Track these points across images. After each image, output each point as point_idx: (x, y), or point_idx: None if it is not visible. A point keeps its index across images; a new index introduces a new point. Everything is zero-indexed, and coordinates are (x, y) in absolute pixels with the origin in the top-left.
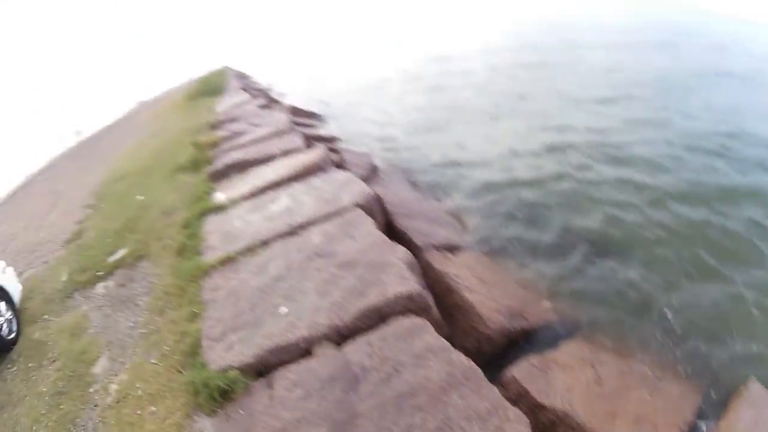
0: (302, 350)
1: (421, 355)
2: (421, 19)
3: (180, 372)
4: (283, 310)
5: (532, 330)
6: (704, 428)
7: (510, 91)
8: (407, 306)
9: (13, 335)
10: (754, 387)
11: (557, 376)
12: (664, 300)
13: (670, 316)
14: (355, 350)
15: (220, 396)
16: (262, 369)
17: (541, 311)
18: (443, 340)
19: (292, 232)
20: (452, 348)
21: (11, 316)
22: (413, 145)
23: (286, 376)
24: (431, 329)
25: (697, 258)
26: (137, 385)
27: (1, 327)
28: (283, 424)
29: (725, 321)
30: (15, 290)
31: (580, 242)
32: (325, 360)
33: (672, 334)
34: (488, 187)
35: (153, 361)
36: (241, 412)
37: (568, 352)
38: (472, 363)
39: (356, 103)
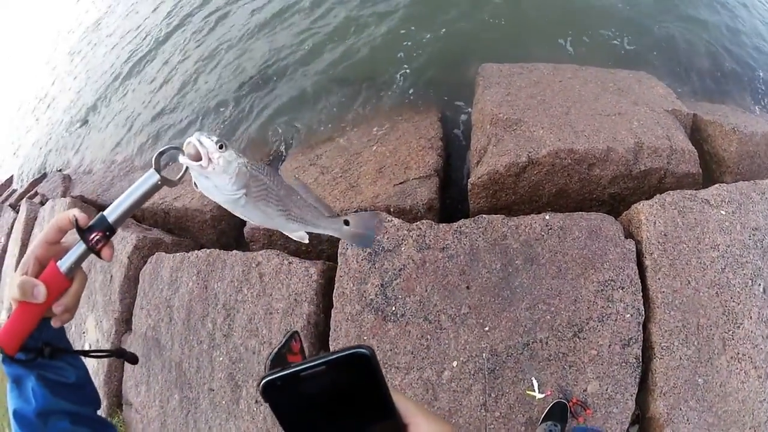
0: None
1: (173, 278)
2: None
3: None
4: None
5: None
6: (462, 117)
7: None
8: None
9: None
10: (486, 67)
11: None
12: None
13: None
14: None
15: None
16: None
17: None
18: (175, 255)
19: None
20: (185, 253)
21: None
22: None
23: None
24: (164, 254)
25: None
26: None
27: None
28: None
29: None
30: None
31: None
32: None
33: (374, 89)
34: None
35: None
36: None
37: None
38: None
39: None
